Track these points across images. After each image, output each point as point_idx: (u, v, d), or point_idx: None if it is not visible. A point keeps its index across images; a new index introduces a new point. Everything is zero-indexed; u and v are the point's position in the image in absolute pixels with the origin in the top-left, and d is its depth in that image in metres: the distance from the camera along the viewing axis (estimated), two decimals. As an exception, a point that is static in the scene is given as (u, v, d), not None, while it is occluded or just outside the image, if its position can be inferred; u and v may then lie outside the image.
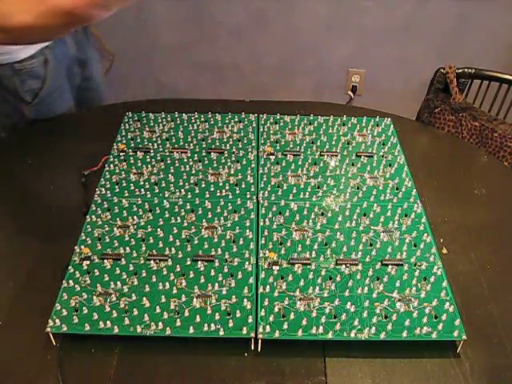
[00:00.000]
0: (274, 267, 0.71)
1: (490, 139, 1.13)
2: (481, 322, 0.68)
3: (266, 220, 0.79)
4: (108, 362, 0.62)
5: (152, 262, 0.72)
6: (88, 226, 0.77)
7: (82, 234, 0.76)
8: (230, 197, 0.83)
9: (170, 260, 0.72)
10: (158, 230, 0.77)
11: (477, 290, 0.72)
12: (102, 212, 0.80)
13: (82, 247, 0.73)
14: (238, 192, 0.84)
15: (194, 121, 1.00)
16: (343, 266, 0.72)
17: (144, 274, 0.70)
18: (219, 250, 0.74)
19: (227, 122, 1.00)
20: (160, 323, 0.64)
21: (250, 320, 0.64)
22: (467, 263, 0.76)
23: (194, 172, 0.88)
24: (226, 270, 0.71)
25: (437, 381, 0.61)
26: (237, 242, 0.75)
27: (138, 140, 0.95)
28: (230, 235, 0.76)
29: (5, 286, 0.71)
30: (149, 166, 0.89)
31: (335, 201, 0.83)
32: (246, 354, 0.63)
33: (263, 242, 0.75)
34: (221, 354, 0.63)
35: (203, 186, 0.85)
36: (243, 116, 1.02)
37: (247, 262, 0.72)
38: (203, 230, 0.77)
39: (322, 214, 0.80)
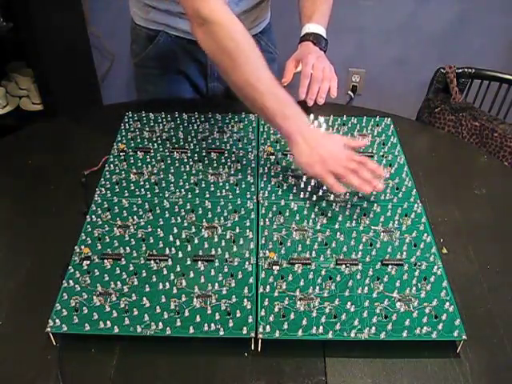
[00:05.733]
0: (274, 267, 0.71)
1: (490, 139, 1.13)
2: (481, 322, 0.68)
3: (266, 220, 0.79)
4: (108, 362, 0.62)
5: (152, 261, 0.72)
6: (88, 226, 0.77)
7: (82, 233, 0.76)
8: (230, 197, 0.83)
9: (170, 260, 0.72)
10: (158, 229, 0.76)
11: (477, 290, 0.72)
12: (102, 212, 0.80)
13: (82, 247, 0.73)
14: (238, 192, 0.84)
15: (194, 121, 1.00)
16: (343, 265, 0.72)
17: (144, 274, 0.70)
18: (219, 249, 0.74)
19: (227, 121, 1.00)
20: (160, 323, 0.64)
21: (250, 320, 0.64)
22: (467, 263, 0.76)
23: (194, 172, 0.88)
24: (226, 270, 0.71)
25: (437, 381, 0.61)
26: (237, 242, 0.75)
27: (138, 140, 0.95)
28: (230, 235, 0.76)
29: (5, 286, 0.71)
30: (149, 166, 0.89)
31: (335, 201, 0.83)
32: (245, 354, 0.63)
33: (263, 241, 0.75)
34: (221, 353, 0.63)
35: (203, 185, 0.85)
36: (243, 116, 1.02)
37: (247, 262, 0.72)
38: (203, 229, 0.77)
39: (322, 213, 0.80)
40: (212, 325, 0.64)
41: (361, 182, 0.78)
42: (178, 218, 0.79)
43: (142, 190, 0.84)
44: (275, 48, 1.20)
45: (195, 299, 0.67)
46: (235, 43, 0.78)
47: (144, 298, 0.66)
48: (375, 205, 0.82)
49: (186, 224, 0.78)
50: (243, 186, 0.85)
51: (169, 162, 0.90)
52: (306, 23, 1.01)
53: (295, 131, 0.79)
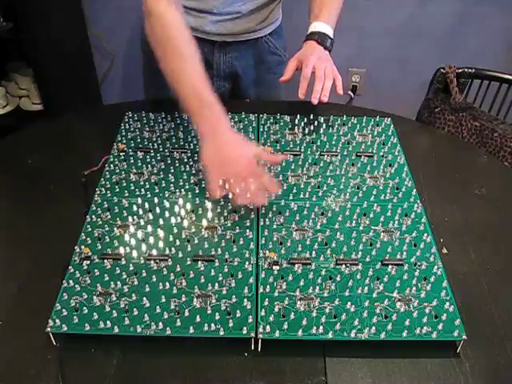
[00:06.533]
0: (274, 267, 0.71)
1: (490, 139, 1.13)
2: (481, 322, 0.68)
3: (266, 220, 0.79)
4: (108, 362, 0.62)
5: (152, 261, 0.72)
6: (88, 226, 0.77)
7: (82, 233, 0.76)
8: (230, 197, 0.83)
9: (170, 260, 0.72)
10: (158, 229, 0.76)
11: (477, 290, 0.72)
12: (102, 212, 0.80)
13: (82, 247, 0.73)
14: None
15: (194, 121, 1.00)
16: (343, 265, 0.72)
17: (144, 274, 0.70)
18: (219, 249, 0.74)
19: (227, 121, 1.00)
20: (160, 323, 0.64)
21: (250, 320, 0.64)
22: (467, 263, 0.76)
23: (194, 172, 0.88)
24: (226, 270, 0.71)
25: (437, 381, 0.61)
26: (237, 242, 0.75)
27: (138, 140, 0.95)
28: (229, 235, 0.76)
29: (5, 286, 0.71)
30: (149, 165, 0.89)
31: (335, 201, 0.83)
32: (246, 354, 0.63)
33: (263, 241, 0.75)
34: (221, 353, 0.63)
35: (203, 186, 0.85)
36: (243, 116, 1.02)
37: (247, 262, 0.72)
38: (203, 229, 0.77)
39: (322, 213, 0.80)
40: (212, 325, 0.64)
41: (240, 194, 0.77)
42: (178, 218, 0.79)
43: (142, 190, 0.84)
44: (284, 51, 1.20)
45: (195, 299, 0.67)
46: (166, 33, 0.84)
47: (144, 298, 0.66)
48: (375, 205, 0.82)
49: (186, 224, 0.78)
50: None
51: (169, 161, 0.90)
52: (312, 21, 1.01)
53: (208, 132, 0.80)
